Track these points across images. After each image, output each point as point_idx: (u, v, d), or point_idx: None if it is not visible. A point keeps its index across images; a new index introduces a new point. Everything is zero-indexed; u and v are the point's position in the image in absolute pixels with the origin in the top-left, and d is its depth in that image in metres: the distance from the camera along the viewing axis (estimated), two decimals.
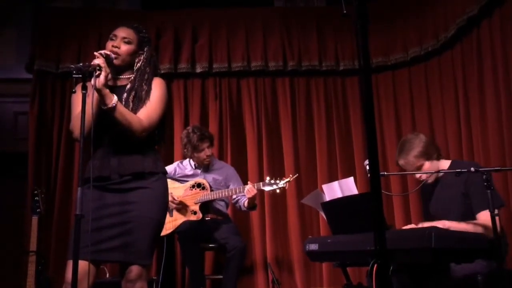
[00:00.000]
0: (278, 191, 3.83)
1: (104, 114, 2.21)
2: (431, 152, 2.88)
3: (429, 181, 2.93)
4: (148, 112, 2.30)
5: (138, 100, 2.30)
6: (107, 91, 2.16)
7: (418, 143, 2.89)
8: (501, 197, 2.78)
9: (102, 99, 2.15)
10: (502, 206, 2.72)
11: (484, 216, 2.57)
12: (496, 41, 3.74)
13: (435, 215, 2.96)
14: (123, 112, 2.21)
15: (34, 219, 3.69)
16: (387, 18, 4.70)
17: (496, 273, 2.50)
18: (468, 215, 2.71)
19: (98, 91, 2.13)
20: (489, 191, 2.38)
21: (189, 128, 4.15)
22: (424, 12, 4.51)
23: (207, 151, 4.07)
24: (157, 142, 2.43)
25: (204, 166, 4.13)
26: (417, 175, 2.95)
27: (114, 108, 2.16)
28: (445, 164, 2.91)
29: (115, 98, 2.18)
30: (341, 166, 4.79)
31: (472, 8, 3.84)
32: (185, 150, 4.10)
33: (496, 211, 2.43)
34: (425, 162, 2.89)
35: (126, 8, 5.05)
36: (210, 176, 4.11)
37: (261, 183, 3.85)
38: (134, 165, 2.29)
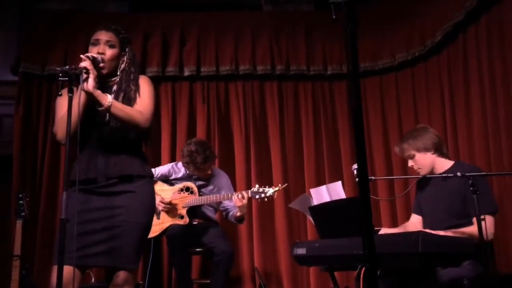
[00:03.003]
0: (266, 199, 3.81)
1: (90, 116, 2.20)
2: (428, 147, 2.91)
3: (421, 173, 2.97)
4: (143, 105, 2.30)
5: (128, 100, 2.29)
6: (98, 92, 2.15)
7: (421, 135, 2.94)
8: (494, 202, 2.78)
9: (96, 101, 2.14)
10: (495, 212, 2.72)
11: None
12: (482, 47, 3.78)
13: (426, 211, 2.99)
14: (121, 107, 2.21)
15: (19, 223, 3.64)
16: (375, 23, 4.73)
17: (482, 277, 2.52)
18: (462, 216, 2.73)
19: (90, 94, 2.12)
20: (475, 196, 2.41)
21: (192, 145, 3.96)
22: (411, 18, 4.54)
23: (209, 171, 4.05)
24: (145, 141, 2.43)
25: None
26: (409, 165, 3.00)
27: (111, 106, 2.16)
28: (447, 164, 2.93)
29: (109, 96, 2.18)
30: (329, 170, 4.80)
31: (459, 14, 3.87)
32: (186, 165, 4.00)
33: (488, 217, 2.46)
34: (416, 153, 2.93)
35: (114, 10, 5.02)
36: (203, 183, 4.08)
37: (249, 191, 3.80)
38: (121, 167, 2.28)
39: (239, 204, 3.77)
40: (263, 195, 3.75)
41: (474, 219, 2.60)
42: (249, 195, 3.78)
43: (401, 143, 3.02)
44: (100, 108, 2.16)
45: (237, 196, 3.77)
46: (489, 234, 2.54)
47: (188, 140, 4.16)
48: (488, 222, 2.56)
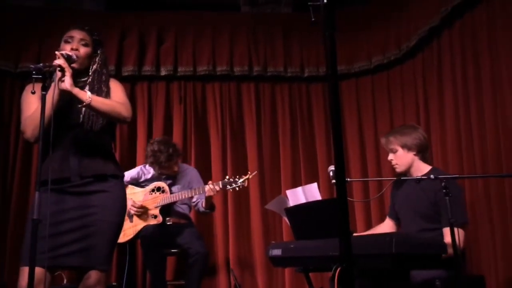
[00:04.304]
0: (237, 189, 3.81)
1: (63, 116, 2.17)
2: (412, 147, 2.94)
3: (397, 169, 3.01)
4: (119, 98, 2.32)
5: None
6: (77, 89, 2.14)
7: (410, 133, 2.97)
8: (465, 215, 2.80)
9: (76, 99, 2.13)
10: (463, 223, 2.74)
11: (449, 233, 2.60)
12: (455, 51, 3.86)
13: (399, 212, 3.03)
14: (101, 100, 2.21)
15: None
16: (351, 27, 4.76)
17: (454, 278, 2.57)
18: (433, 221, 2.77)
19: (68, 92, 2.10)
20: (447, 198, 2.44)
21: (155, 145, 3.95)
22: (387, 22, 4.60)
23: (175, 167, 4.03)
24: (114, 142, 2.44)
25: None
26: (389, 158, 3.03)
27: (91, 101, 2.14)
28: (424, 168, 2.95)
29: (88, 92, 2.17)
30: (305, 172, 4.82)
31: (434, 19, 3.94)
32: (151, 165, 4.01)
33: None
34: (399, 148, 2.96)
35: (90, 8, 4.94)
36: (172, 182, 4.06)
37: (220, 182, 3.80)
38: (96, 166, 2.27)
39: (211, 194, 3.76)
40: (234, 184, 3.76)
41: (445, 230, 2.63)
42: (220, 186, 3.77)
43: (388, 135, 3.06)
44: (80, 105, 2.14)
45: (209, 186, 3.76)
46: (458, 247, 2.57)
47: (151, 140, 4.14)
48: (458, 235, 2.58)
